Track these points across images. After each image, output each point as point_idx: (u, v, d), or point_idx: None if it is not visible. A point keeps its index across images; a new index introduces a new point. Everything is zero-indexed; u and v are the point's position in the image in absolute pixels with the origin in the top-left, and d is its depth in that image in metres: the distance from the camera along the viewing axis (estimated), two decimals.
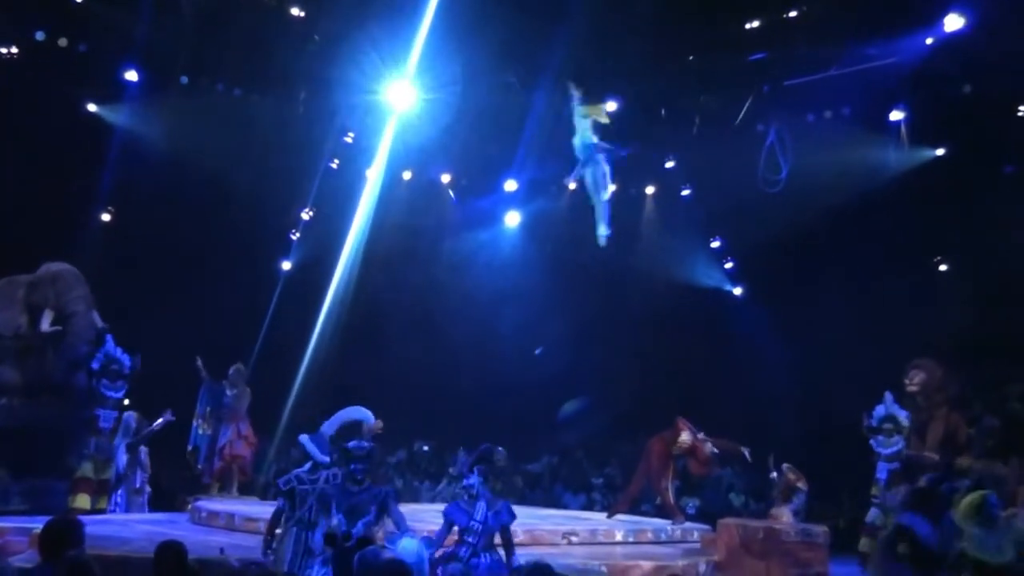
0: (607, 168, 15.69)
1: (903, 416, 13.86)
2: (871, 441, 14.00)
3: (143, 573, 5.80)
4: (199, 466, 16.28)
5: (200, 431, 16.23)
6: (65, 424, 14.16)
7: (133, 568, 7.77)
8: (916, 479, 13.13)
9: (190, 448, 16.29)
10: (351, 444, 8.76)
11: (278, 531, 8.91)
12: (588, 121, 15.62)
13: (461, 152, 20.57)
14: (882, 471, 13.93)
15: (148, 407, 15.42)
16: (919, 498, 8.32)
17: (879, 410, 14.03)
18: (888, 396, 13.96)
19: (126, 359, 14.61)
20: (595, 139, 15.61)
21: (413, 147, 19.29)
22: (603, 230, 15.99)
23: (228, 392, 16.34)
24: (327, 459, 8.96)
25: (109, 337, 14.59)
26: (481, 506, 8.71)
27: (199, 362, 16.29)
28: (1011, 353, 15.51)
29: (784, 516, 13.53)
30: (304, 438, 9.14)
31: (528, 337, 21.63)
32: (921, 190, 17.40)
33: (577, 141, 15.70)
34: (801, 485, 14.69)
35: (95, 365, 14.32)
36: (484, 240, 21.96)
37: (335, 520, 8.37)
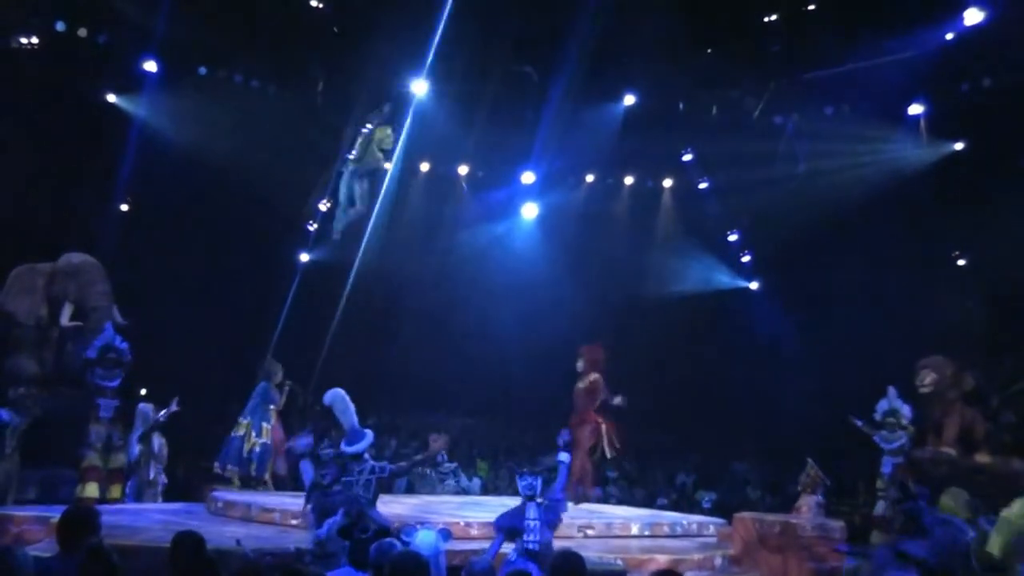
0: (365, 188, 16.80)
1: (906, 410, 13.84)
2: (875, 437, 14.00)
3: (159, 562, 5.81)
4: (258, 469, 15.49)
5: (258, 448, 15.43)
6: (80, 414, 14.09)
7: (149, 557, 7.78)
8: (922, 473, 13.14)
9: (254, 472, 15.42)
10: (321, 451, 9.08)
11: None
12: (374, 145, 16.72)
13: (478, 144, 20.53)
14: (887, 465, 13.95)
15: (164, 397, 15.40)
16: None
17: (882, 404, 14.01)
18: (891, 391, 13.94)
19: (125, 347, 14.11)
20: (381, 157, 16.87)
21: (430, 139, 19.29)
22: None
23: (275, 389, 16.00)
24: (363, 449, 9.04)
25: (108, 325, 14.18)
26: (532, 506, 8.69)
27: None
28: None
29: (804, 507, 13.59)
30: (344, 446, 9.19)
31: (543, 329, 21.60)
32: (940, 184, 17.33)
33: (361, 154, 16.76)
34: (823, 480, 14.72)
35: (91, 354, 13.54)
36: (501, 232, 21.96)
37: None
